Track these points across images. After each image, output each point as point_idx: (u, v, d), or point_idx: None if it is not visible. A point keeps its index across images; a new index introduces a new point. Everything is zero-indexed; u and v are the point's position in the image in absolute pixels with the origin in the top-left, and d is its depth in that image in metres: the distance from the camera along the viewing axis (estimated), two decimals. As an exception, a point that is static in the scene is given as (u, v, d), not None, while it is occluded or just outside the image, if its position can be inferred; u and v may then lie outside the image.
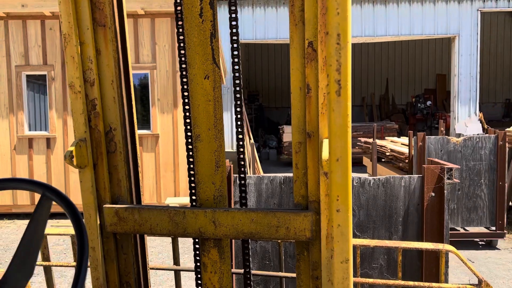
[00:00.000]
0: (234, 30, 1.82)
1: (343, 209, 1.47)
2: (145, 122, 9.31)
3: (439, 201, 3.06)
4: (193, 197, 1.97)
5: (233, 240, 3.11)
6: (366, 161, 10.78)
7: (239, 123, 1.94)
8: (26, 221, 9.11)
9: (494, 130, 7.76)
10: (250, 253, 2.05)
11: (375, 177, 3.14)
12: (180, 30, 1.82)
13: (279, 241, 2.76)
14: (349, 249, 1.51)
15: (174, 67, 9.18)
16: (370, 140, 9.39)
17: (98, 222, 1.90)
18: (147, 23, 9.09)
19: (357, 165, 12.92)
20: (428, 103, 20.82)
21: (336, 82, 1.44)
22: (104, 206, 1.89)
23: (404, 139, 10.59)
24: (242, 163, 1.97)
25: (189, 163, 1.96)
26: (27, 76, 9.38)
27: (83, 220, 1.98)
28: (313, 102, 1.77)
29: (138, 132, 2.02)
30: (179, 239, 6.18)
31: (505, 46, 23.36)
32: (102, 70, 1.75)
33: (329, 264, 1.69)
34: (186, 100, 1.91)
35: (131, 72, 1.88)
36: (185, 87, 1.91)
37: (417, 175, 3.17)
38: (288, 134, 15.65)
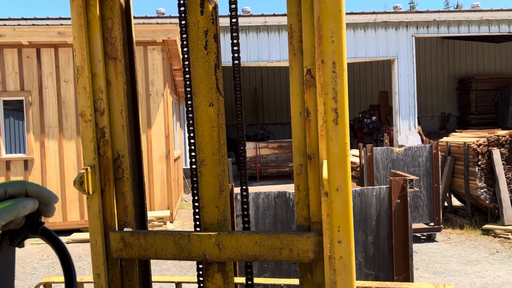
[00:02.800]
0: (236, 55, 1.74)
1: (345, 240, 1.34)
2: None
3: (404, 206, 3.33)
4: (197, 222, 1.85)
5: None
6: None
7: (242, 144, 1.85)
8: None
9: (429, 140, 8.39)
10: None
11: (351, 189, 3.20)
12: (186, 63, 1.73)
13: (283, 285, 2.60)
14: (352, 281, 1.37)
15: (147, 91, 8.99)
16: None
17: (104, 249, 1.77)
18: (120, 50, 8.89)
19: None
20: (373, 118, 21.16)
21: (333, 111, 1.33)
22: (110, 232, 1.76)
23: (355, 151, 10.73)
24: (244, 182, 1.87)
25: (193, 188, 1.85)
26: (4, 101, 9.00)
27: (90, 246, 1.84)
28: (313, 126, 1.70)
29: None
30: (183, 262, 5.93)
31: (438, 66, 24.15)
32: (112, 100, 1.64)
33: (333, 289, 1.59)
34: (191, 128, 1.81)
35: (139, 101, 1.77)
36: (190, 115, 1.82)
37: (385, 186, 3.38)
38: (249, 150, 15.57)
